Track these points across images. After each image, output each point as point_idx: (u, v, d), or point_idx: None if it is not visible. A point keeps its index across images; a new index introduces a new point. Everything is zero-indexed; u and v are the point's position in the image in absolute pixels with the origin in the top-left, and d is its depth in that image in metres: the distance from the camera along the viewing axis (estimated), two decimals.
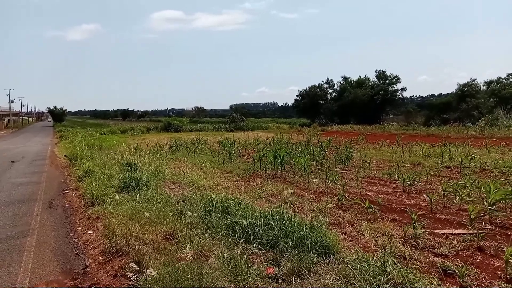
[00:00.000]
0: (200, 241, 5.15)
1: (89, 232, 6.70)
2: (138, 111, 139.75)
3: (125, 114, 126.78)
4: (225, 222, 5.78)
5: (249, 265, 4.40)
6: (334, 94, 65.94)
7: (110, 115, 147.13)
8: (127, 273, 4.31)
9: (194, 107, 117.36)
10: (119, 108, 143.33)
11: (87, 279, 4.83)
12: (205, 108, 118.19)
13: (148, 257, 4.63)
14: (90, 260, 5.42)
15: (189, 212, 6.53)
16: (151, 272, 3.83)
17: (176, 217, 6.42)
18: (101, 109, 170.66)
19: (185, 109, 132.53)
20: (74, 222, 7.49)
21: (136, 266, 4.17)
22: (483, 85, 51.53)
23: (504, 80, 50.76)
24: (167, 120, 49.49)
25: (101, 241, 5.93)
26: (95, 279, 4.78)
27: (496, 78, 51.69)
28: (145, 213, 6.46)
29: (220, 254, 4.67)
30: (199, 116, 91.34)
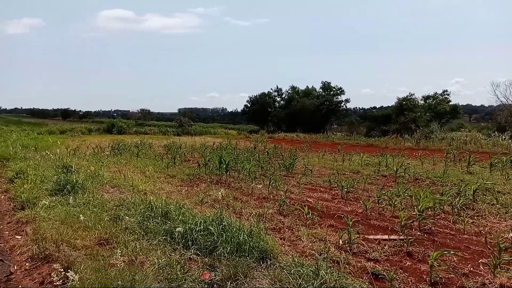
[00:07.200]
0: (136, 246, 5.01)
1: (17, 237, 6.28)
2: (80, 111, 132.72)
3: (66, 114, 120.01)
4: (164, 227, 5.67)
5: (185, 271, 4.34)
6: (282, 102, 67.05)
7: (49, 114, 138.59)
8: (54, 280, 4.09)
9: (140, 109, 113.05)
10: (60, 108, 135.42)
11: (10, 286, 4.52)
12: (152, 111, 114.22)
13: (79, 263, 4.42)
14: (15, 266, 5.08)
15: (126, 217, 6.33)
16: (73, 278, 3.64)
17: (112, 222, 6.20)
18: (40, 108, 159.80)
19: (130, 111, 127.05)
20: (1, 226, 6.98)
21: (65, 272, 3.96)
22: (421, 100, 54.72)
23: (440, 96, 54.21)
24: (111, 122, 47.53)
25: (29, 246, 5.58)
26: (20, 286, 4.49)
27: (432, 94, 55.14)
28: (80, 216, 6.17)
29: (156, 260, 4.57)
30: (145, 119, 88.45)
